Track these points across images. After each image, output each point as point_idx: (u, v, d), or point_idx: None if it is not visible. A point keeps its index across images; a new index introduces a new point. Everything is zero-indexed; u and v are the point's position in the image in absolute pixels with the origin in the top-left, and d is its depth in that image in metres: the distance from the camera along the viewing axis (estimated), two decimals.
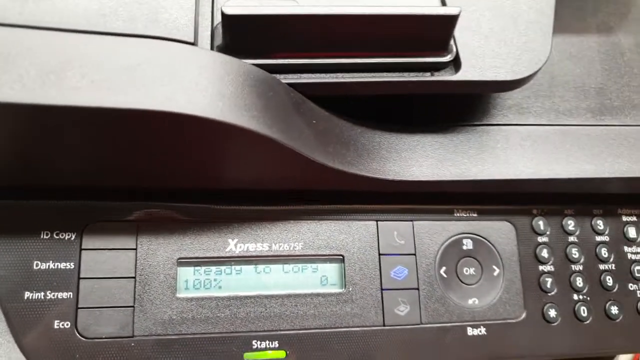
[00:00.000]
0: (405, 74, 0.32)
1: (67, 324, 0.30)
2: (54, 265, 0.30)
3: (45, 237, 0.31)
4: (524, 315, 0.35)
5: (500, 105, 0.38)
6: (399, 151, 0.34)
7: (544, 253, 0.36)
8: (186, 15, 0.29)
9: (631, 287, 0.37)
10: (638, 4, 0.43)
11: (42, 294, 0.30)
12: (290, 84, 0.31)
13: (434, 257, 0.35)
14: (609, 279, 0.37)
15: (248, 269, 0.33)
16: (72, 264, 0.30)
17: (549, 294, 0.36)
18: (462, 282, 0.35)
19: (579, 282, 0.36)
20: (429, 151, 0.34)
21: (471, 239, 0.36)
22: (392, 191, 0.34)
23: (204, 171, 0.31)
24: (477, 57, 0.33)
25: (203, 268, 0.32)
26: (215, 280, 0.32)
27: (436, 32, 0.31)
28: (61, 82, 0.24)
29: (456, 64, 0.33)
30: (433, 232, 0.35)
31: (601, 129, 0.37)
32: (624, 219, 0.38)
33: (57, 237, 0.31)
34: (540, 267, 0.36)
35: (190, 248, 0.32)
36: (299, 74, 0.31)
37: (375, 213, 0.35)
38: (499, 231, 0.36)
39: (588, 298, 0.36)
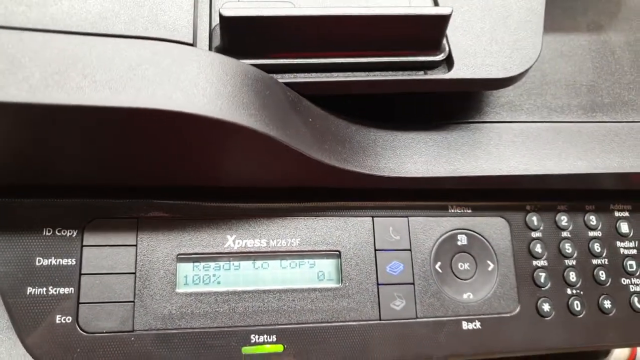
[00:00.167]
0: (399, 72, 0.33)
1: (69, 319, 0.30)
2: (56, 262, 0.31)
3: (47, 234, 0.31)
4: (518, 310, 0.36)
5: (493, 103, 0.38)
6: (394, 148, 0.35)
7: (538, 248, 0.37)
8: (185, 17, 0.30)
9: (624, 281, 0.38)
10: (628, 3, 0.44)
11: (44, 289, 0.30)
12: (287, 83, 0.32)
13: (429, 252, 0.36)
14: (602, 274, 0.37)
15: (246, 264, 0.33)
16: (73, 260, 0.31)
17: (543, 289, 0.36)
18: (457, 277, 0.36)
19: (573, 276, 0.37)
20: (423, 148, 0.35)
21: (466, 234, 0.36)
22: (387, 187, 0.34)
23: (203, 169, 0.32)
24: (469, 56, 0.33)
25: (202, 264, 0.33)
26: (214, 275, 0.33)
27: (429, 31, 0.32)
28: (65, 83, 0.25)
29: (449, 62, 0.33)
30: (428, 228, 0.36)
31: (592, 126, 0.38)
32: (616, 214, 0.39)
33: (59, 234, 0.31)
34: (534, 262, 0.37)
35: (189, 244, 0.33)
36: (295, 74, 0.32)
37: (371, 209, 0.36)
38: (493, 227, 0.37)
39: (581, 292, 0.37)
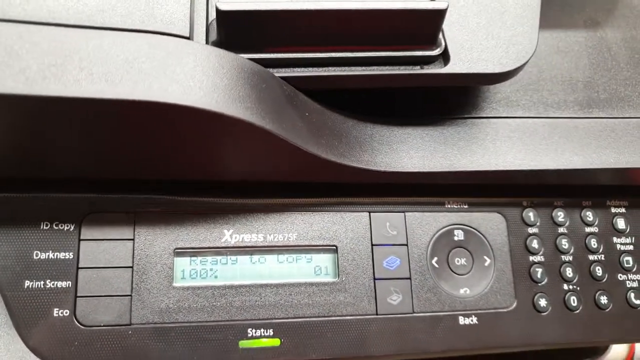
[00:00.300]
0: (396, 67, 0.33)
1: (66, 312, 0.30)
2: (54, 255, 0.31)
3: (45, 227, 0.31)
4: (514, 305, 0.36)
5: (489, 99, 0.38)
6: (390, 143, 0.35)
7: (534, 244, 0.37)
8: (182, 10, 0.30)
9: (620, 277, 0.38)
10: None
11: (42, 283, 0.30)
12: (283, 77, 0.32)
13: (425, 247, 0.36)
14: (599, 269, 0.38)
15: (243, 259, 0.34)
16: (71, 254, 0.31)
17: (540, 284, 0.36)
18: (453, 272, 0.36)
19: (569, 272, 0.37)
20: (419, 143, 0.35)
21: (462, 229, 0.37)
22: (384, 182, 0.34)
23: (199, 162, 0.32)
24: (465, 51, 0.33)
25: (199, 258, 0.33)
26: (211, 270, 0.33)
27: (425, 26, 0.32)
28: (62, 75, 0.25)
29: (445, 57, 0.34)
30: (425, 223, 0.36)
31: (589, 121, 0.38)
32: (613, 210, 0.39)
33: (57, 228, 0.31)
34: (531, 258, 0.37)
35: (186, 238, 0.33)
36: (291, 68, 0.32)
37: (367, 205, 0.36)
38: (490, 222, 0.37)
39: (578, 288, 0.37)
